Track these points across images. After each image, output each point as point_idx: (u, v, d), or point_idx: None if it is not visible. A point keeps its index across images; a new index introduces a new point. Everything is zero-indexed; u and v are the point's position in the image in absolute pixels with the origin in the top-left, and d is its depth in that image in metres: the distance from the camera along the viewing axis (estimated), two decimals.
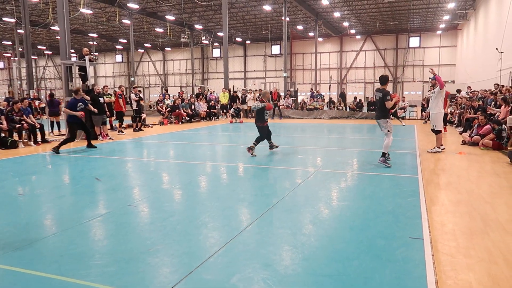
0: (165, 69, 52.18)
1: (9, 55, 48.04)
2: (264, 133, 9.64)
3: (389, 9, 33.36)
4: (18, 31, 32.59)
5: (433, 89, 9.81)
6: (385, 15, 35.59)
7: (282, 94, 25.23)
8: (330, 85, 24.61)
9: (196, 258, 3.54)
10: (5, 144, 10.61)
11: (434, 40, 41.10)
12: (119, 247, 3.88)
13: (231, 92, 21.72)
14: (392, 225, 4.40)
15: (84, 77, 12.53)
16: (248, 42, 47.57)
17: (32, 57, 47.75)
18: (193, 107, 19.49)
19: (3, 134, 10.78)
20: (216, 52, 49.61)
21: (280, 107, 21.74)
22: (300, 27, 39.34)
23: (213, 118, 20.51)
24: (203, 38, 40.65)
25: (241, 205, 5.33)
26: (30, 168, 8.48)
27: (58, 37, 32.34)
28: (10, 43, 41.59)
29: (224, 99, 20.46)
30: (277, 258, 3.55)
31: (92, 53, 12.89)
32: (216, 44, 46.92)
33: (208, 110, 20.24)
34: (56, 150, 9.80)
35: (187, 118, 18.74)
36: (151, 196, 5.87)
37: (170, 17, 32.86)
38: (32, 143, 11.48)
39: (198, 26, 38.81)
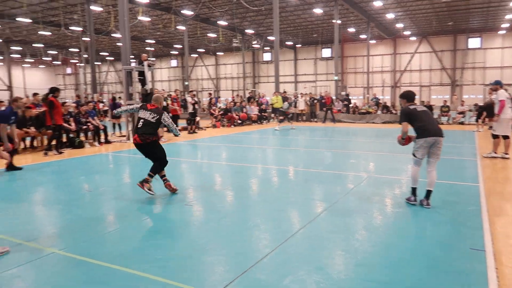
0: (217, 73, 53.43)
1: (76, 61, 51.58)
2: None
3: (446, 9, 31.81)
4: (84, 39, 34.93)
5: (493, 94, 9.28)
6: (441, 15, 33.97)
7: (333, 97, 24.90)
8: (383, 89, 23.89)
9: (250, 258, 3.64)
10: (73, 144, 11.44)
11: (495, 41, 38.55)
12: (177, 244, 4.08)
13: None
14: (451, 235, 4.24)
15: (143, 82, 13.19)
16: (298, 45, 47.48)
17: (96, 63, 51.01)
18: (244, 111, 19.80)
19: (71, 135, 11.61)
20: (267, 56, 49.99)
21: (333, 111, 21.47)
22: (351, 30, 38.64)
23: (264, 121, 20.68)
24: (254, 42, 41.15)
25: (292, 208, 5.38)
26: (95, 167, 9.09)
27: (119, 44, 34.24)
28: (77, 50, 44.61)
29: (278, 103, 20.38)
30: (329, 262, 3.56)
31: (149, 59, 13.53)
32: (267, 48, 47.28)
33: (259, 114, 20.45)
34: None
35: (239, 121, 19.08)
36: (206, 197, 6.08)
37: (222, 23, 33.65)
38: (96, 143, 12.28)
39: (249, 31, 39.36)
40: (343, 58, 44.27)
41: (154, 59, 46.49)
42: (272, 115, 21.39)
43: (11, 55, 43.10)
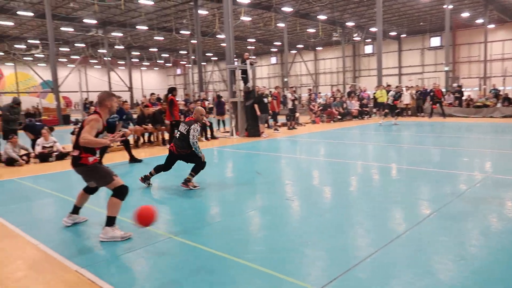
0: (316, 68, 52.98)
1: (185, 62, 55.79)
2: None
3: None
4: (192, 41, 37.59)
5: None
6: None
7: (443, 90, 22.88)
8: (504, 79, 21.19)
9: (352, 257, 3.58)
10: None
11: None
12: (278, 236, 4.19)
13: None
14: None
15: (245, 80, 13.73)
16: (403, 35, 44.58)
17: (202, 63, 54.48)
18: (344, 106, 19.35)
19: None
20: (368, 49, 47.93)
21: (443, 104, 19.76)
22: (465, 15, 34.94)
23: (366, 116, 19.95)
24: (355, 35, 39.81)
25: (397, 208, 5.13)
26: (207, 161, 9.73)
27: (223, 45, 36.08)
28: (185, 52, 48.19)
29: (382, 97, 19.46)
30: (441, 268, 3.33)
31: (251, 57, 14.01)
32: (368, 40, 45.36)
33: (360, 109, 19.79)
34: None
35: (339, 117, 18.71)
36: (306, 192, 6.13)
37: (321, 17, 33.23)
38: (203, 138, 13.16)
39: (350, 23, 38.18)
40: (454, 46, 40.32)
41: (255, 57, 47.91)
42: (374, 110, 20.52)
43: (132, 60, 48.32)
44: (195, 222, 4.80)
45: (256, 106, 13.18)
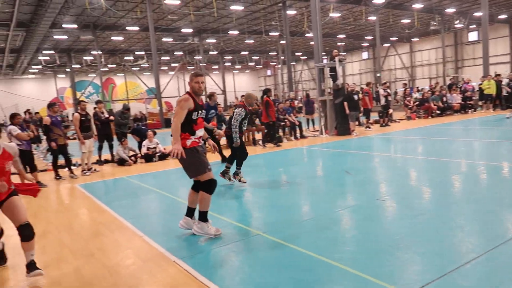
0: (412, 61, 49.71)
1: (274, 63, 56.68)
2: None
3: None
4: (281, 42, 38.04)
5: None
6: None
7: None
8: None
9: (450, 262, 3.33)
10: (273, 138, 12.67)
11: None
12: (368, 237, 4.07)
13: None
14: None
15: (334, 77, 13.50)
16: None
17: (291, 63, 54.80)
18: (444, 100, 17.86)
19: (272, 131, 12.89)
20: (473, 36, 43.45)
21: None
22: None
23: (469, 110, 18.16)
24: (456, 22, 36.43)
25: (506, 212, 4.61)
26: (291, 160, 9.85)
27: (311, 43, 35.84)
28: (275, 53, 48.98)
29: (491, 88, 17.59)
30: None
31: (340, 54, 13.71)
32: (472, 26, 41.17)
33: (462, 102, 18.07)
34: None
35: (438, 112, 17.33)
36: (399, 192, 5.84)
37: (417, 6, 31.07)
38: (292, 138, 13.27)
39: (450, 10, 35.05)
40: None
41: (344, 53, 46.80)
42: (480, 102, 18.58)
43: (224, 64, 50.62)
44: (284, 220, 4.88)
45: (345, 104, 12.91)
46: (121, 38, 33.31)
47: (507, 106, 14.95)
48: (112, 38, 32.51)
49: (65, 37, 29.10)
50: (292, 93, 27.37)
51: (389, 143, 11.70)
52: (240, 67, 56.80)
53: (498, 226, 4.15)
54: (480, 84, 18.14)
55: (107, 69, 44.85)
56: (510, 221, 4.33)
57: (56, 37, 28.43)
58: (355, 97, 13.11)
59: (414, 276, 3.18)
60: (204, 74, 40.79)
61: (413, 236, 4.02)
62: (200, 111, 4.29)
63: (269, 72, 63.18)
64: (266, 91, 11.85)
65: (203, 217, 4.31)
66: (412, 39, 47.89)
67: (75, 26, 26.73)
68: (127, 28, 29.11)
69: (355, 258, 3.57)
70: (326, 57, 17.45)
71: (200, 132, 4.35)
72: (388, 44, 50.66)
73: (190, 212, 4.53)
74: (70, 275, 3.72)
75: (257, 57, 52.18)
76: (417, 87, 29.54)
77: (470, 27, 41.50)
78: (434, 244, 3.74)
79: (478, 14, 32.88)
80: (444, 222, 4.36)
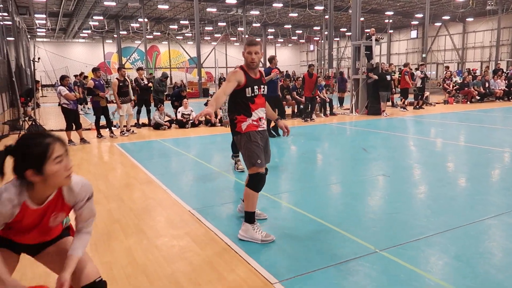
0: (464, 42, 47.19)
1: (318, 38, 55.74)
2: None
3: None
4: (325, 17, 37.35)
5: None
6: None
7: None
8: None
9: (422, 231, 3.71)
10: (301, 115, 13.02)
11: None
12: (357, 206, 4.50)
13: None
14: None
15: (369, 56, 13.47)
16: None
17: (336, 39, 53.56)
18: (486, 85, 17.26)
19: (301, 106, 13.21)
20: None
21: None
22: None
23: None
24: None
25: (470, 181, 4.84)
26: (319, 136, 10.18)
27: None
28: (319, 28, 48.15)
29: None
30: None
31: (377, 33, 13.58)
32: None
33: (507, 89, 17.39)
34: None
35: (478, 97, 16.83)
36: (405, 170, 6.12)
37: None
38: (322, 114, 13.52)
39: None
40: None
41: (390, 32, 45.14)
42: None
43: (267, 37, 50.40)
44: (292, 187, 5.38)
45: (371, 75, 12.92)
46: (166, 7, 34.03)
47: None
48: (159, 6, 33.31)
49: (113, 3, 30.18)
50: (332, 69, 27.13)
51: (416, 125, 11.70)
52: (282, 40, 56.34)
53: (472, 200, 4.41)
54: None
55: (152, 36, 46.09)
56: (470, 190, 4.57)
57: (106, 3, 29.57)
58: (388, 77, 13.07)
59: (385, 237, 3.60)
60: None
61: (398, 208, 4.40)
62: (257, 87, 3.57)
63: (312, 47, 62.19)
64: (309, 66, 12.19)
65: (249, 218, 3.63)
66: (467, 19, 45.31)
67: None
68: None
69: (379, 235, 3.69)
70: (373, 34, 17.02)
71: (260, 113, 3.61)
72: (440, 23, 48.28)
73: None
74: (102, 213, 4.44)
75: (300, 31, 51.48)
76: (467, 69, 28.32)
77: None
78: (414, 216, 4.12)
79: None
80: (434, 199, 4.68)
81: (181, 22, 40.85)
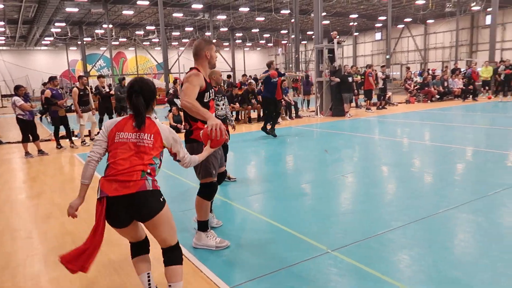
0: (426, 43, 48.89)
1: (286, 42, 56.35)
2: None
3: None
4: (291, 20, 37.81)
5: None
6: None
7: None
8: None
9: (378, 228, 3.81)
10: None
11: None
12: (314, 207, 4.57)
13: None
14: None
15: (332, 59, 13.72)
16: None
17: (303, 42, 54.23)
18: (445, 84, 17.93)
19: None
20: (490, 19, 42.49)
21: None
22: None
23: (470, 96, 18.20)
24: (473, 4, 35.66)
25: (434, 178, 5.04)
26: (283, 139, 10.26)
27: (324, 22, 35.61)
28: (286, 31, 48.66)
29: (486, 73, 17.78)
30: None
31: (339, 36, 13.86)
32: (490, 9, 40.20)
33: (464, 87, 18.11)
34: (272, 133, 9.88)
35: (437, 97, 17.45)
36: (364, 170, 6.26)
37: None
38: (287, 117, 13.65)
39: None
40: None
41: (339, 36, 46.14)
42: (482, 88, 18.60)
43: (235, 41, 50.51)
44: (250, 191, 5.40)
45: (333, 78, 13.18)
46: (131, 13, 33.54)
47: (498, 91, 15.11)
48: (123, 12, 32.79)
49: (76, 9, 29.46)
50: (299, 72, 27.46)
51: (378, 125, 12.01)
52: (250, 44, 56.62)
53: (427, 202, 4.58)
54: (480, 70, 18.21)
55: (117, 43, 45.24)
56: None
57: (68, 9, 28.82)
58: (349, 79, 13.36)
59: (345, 238, 3.68)
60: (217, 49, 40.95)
61: (354, 207, 4.50)
62: (212, 91, 3.43)
63: (280, 51, 62.77)
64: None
65: (202, 226, 3.57)
66: (427, 21, 46.98)
67: None
68: (138, 2, 29.31)
69: (297, 222, 4.06)
70: (338, 36, 17.32)
71: None
72: (402, 26, 49.82)
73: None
74: (55, 226, 4.31)
75: (268, 35, 51.90)
76: (428, 69, 29.33)
77: (488, 10, 40.52)
78: (368, 214, 4.22)
79: None
80: (396, 196, 4.82)
81: (147, 27, 40.34)
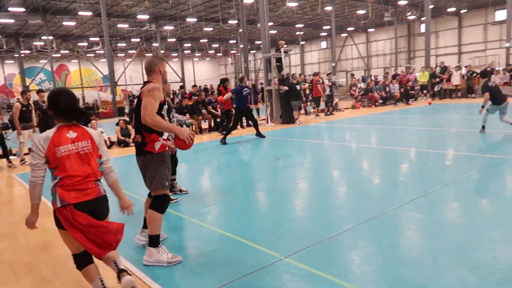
0: (369, 51, 51.33)
1: (235, 51, 56.73)
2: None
3: None
4: (239, 30, 38.17)
5: None
6: None
7: (498, 68, 21.43)
8: None
9: (332, 229, 3.89)
10: (218, 128, 13.05)
11: None
12: (268, 213, 4.58)
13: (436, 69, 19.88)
14: None
15: (280, 68, 13.99)
16: (463, 11, 41.67)
17: (252, 51, 54.87)
18: (387, 89, 18.87)
19: (218, 119, 13.26)
20: (424, 28, 45.48)
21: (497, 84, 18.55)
22: None
23: (411, 100, 19.29)
24: (409, 14, 38.01)
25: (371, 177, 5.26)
26: (235, 148, 10.26)
27: (271, 32, 36.24)
28: (234, 41, 49.02)
29: (423, 78, 18.98)
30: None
31: (287, 46, 14.19)
32: (424, 18, 43.03)
33: (403, 92, 19.15)
34: (223, 141, 10.23)
35: (381, 101, 18.32)
36: (315, 175, 6.39)
37: None
38: (239, 126, 13.66)
39: (403, 2, 36.49)
40: None
41: (286, 45, 47.42)
42: (420, 92, 19.79)
43: (184, 51, 50.08)
44: (202, 203, 5.32)
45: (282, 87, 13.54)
46: (73, 23, 32.24)
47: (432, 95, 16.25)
48: (64, 23, 31.42)
49: (11, 21, 27.83)
50: (249, 82, 27.71)
51: (327, 131, 12.38)
52: (200, 55, 56.40)
53: (375, 203, 4.76)
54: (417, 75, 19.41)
55: (59, 55, 43.22)
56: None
57: (2, 20, 27.16)
58: (297, 87, 13.67)
59: (295, 244, 3.71)
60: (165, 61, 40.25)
61: (305, 213, 4.57)
62: (166, 103, 3.58)
63: (229, 60, 63.06)
64: (224, 81, 12.70)
65: (154, 242, 3.45)
66: (368, 30, 49.36)
67: (23, 9, 25.63)
68: (79, 13, 28.25)
69: (249, 231, 4.06)
70: (286, 45, 17.71)
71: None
72: (346, 34, 51.93)
73: (146, 224, 3.70)
74: None
75: (217, 45, 52.01)
76: (371, 76, 30.78)
77: (422, 19, 43.28)
78: (321, 219, 4.31)
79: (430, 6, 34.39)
80: (343, 199, 4.95)
81: (91, 39, 38.94)
